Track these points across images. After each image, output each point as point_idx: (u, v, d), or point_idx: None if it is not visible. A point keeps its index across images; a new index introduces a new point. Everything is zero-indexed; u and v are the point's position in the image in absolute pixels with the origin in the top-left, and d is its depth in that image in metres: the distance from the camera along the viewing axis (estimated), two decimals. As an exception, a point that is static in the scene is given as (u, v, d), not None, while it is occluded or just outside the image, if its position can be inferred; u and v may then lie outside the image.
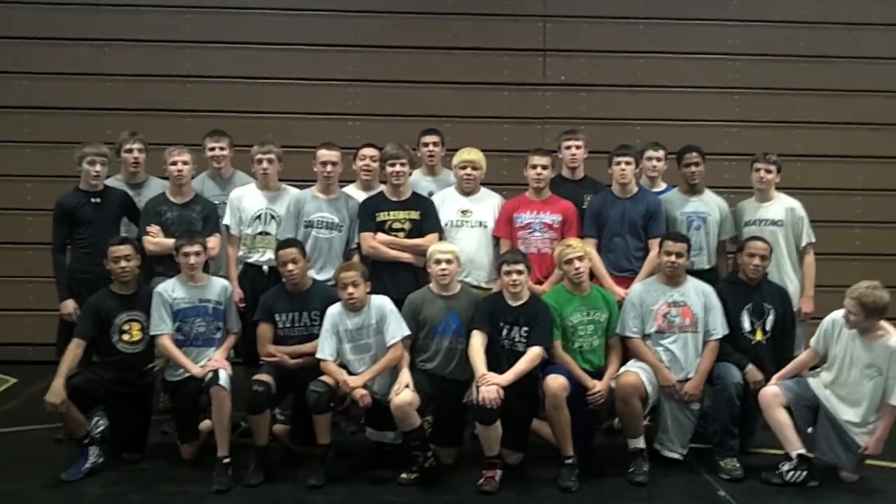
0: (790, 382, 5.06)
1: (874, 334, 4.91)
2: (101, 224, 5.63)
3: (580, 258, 5.18)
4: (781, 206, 5.90)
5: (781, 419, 4.96)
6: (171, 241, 5.42)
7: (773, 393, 5.00)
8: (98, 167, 5.64)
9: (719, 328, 5.25)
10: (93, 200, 5.67)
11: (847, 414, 4.93)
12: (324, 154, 5.66)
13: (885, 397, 4.87)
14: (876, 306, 4.80)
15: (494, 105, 8.14)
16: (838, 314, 5.02)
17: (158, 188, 5.88)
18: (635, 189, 5.78)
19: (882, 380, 4.87)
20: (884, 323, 4.94)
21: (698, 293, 5.29)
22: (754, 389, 5.17)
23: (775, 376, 5.12)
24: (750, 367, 5.22)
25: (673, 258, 5.22)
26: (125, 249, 5.21)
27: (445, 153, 6.18)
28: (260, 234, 5.71)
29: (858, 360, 4.91)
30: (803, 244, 5.88)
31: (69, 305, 5.57)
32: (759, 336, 5.35)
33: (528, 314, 5.08)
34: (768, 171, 5.85)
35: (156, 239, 5.53)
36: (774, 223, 5.84)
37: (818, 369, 5.14)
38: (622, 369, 5.15)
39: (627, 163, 5.68)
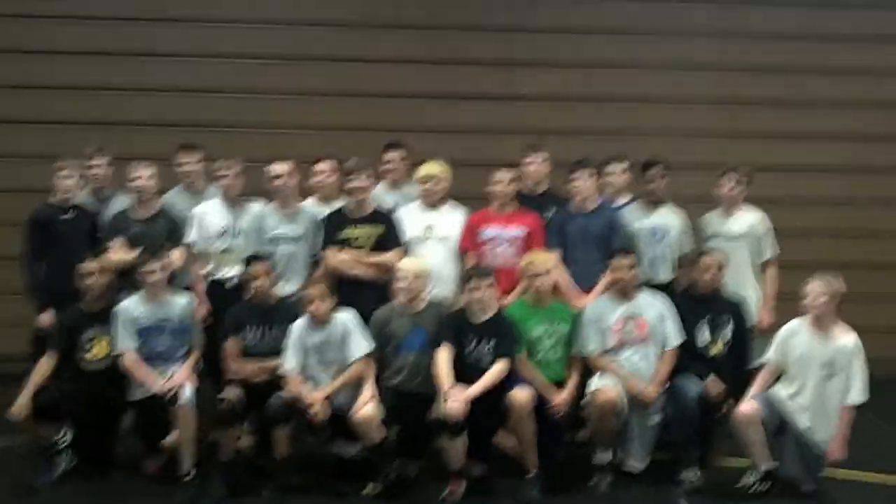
0: (761, 397, 5.09)
1: (830, 332, 5.01)
2: (72, 239, 5.62)
3: (545, 273, 5.23)
4: (746, 219, 5.99)
5: (756, 436, 4.98)
6: (133, 255, 5.40)
7: (753, 409, 4.98)
8: (71, 181, 5.65)
9: (674, 336, 5.31)
10: (63, 216, 5.67)
11: (810, 423, 4.99)
12: (273, 168, 5.67)
13: (843, 398, 4.94)
14: (839, 293, 4.96)
15: (460, 117, 8.16)
16: (792, 323, 5.12)
17: (125, 203, 5.84)
18: (595, 203, 5.82)
19: (840, 379, 4.94)
20: (839, 322, 5.04)
21: (652, 304, 5.36)
22: (714, 401, 5.22)
23: (749, 394, 5.11)
24: (710, 378, 5.26)
25: (622, 273, 5.29)
26: (92, 266, 5.23)
27: (409, 166, 6.19)
28: (224, 250, 5.70)
29: (818, 360, 4.98)
30: (766, 257, 5.98)
31: (46, 318, 5.54)
32: (717, 348, 5.40)
33: (495, 329, 5.11)
34: (738, 184, 5.94)
35: (117, 256, 5.49)
36: (737, 237, 5.93)
37: (777, 384, 5.19)
38: (597, 385, 5.16)
39: (587, 177, 5.73)
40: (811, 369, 5.00)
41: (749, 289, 5.91)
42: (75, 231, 5.67)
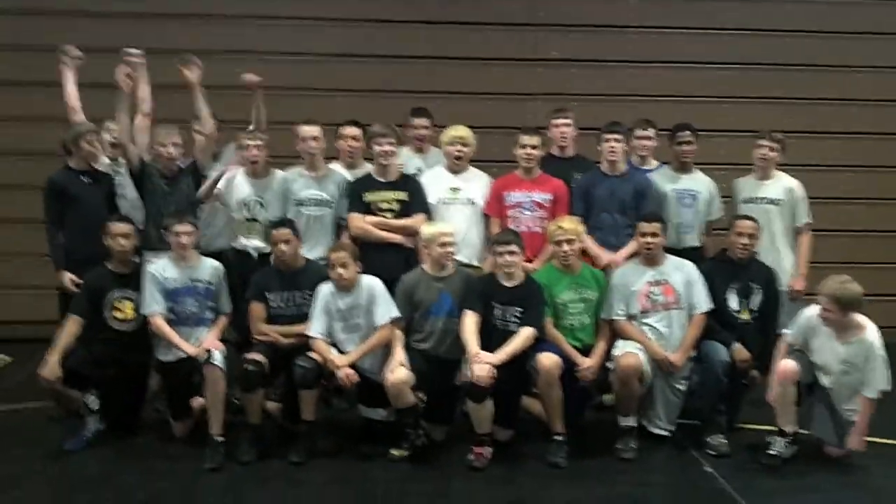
0: (797, 357, 5.01)
1: (849, 333, 4.88)
2: (92, 203, 5.61)
3: (569, 241, 5.19)
4: (781, 185, 5.90)
5: (790, 395, 4.93)
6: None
7: (793, 370, 4.92)
8: (97, 145, 5.65)
9: (703, 302, 5.26)
10: (84, 179, 5.66)
11: (836, 402, 4.96)
12: (305, 130, 5.64)
13: (862, 390, 4.87)
14: (850, 300, 4.78)
15: (485, 81, 8.08)
16: (813, 313, 4.99)
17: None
18: (624, 167, 5.77)
19: (861, 372, 4.86)
20: (857, 317, 4.90)
21: (678, 269, 5.31)
22: (741, 368, 5.20)
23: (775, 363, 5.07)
24: (736, 345, 5.23)
25: (649, 238, 5.24)
26: (124, 227, 5.24)
27: (434, 130, 6.15)
28: (248, 220, 5.67)
29: (837, 358, 4.91)
30: (800, 224, 5.90)
31: (66, 276, 5.52)
32: (745, 315, 5.36)
33: (522, 295, 5.08)
34: (772, 150, 5.86)
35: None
36: (772, 202, 5.86)
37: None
38: (620, 350, 5.14)
39: (617, 140, 5.66)
40: (830, 363, 4.94)
41: (784, 254, 5.85)
42: (95, 195, 5.66)
